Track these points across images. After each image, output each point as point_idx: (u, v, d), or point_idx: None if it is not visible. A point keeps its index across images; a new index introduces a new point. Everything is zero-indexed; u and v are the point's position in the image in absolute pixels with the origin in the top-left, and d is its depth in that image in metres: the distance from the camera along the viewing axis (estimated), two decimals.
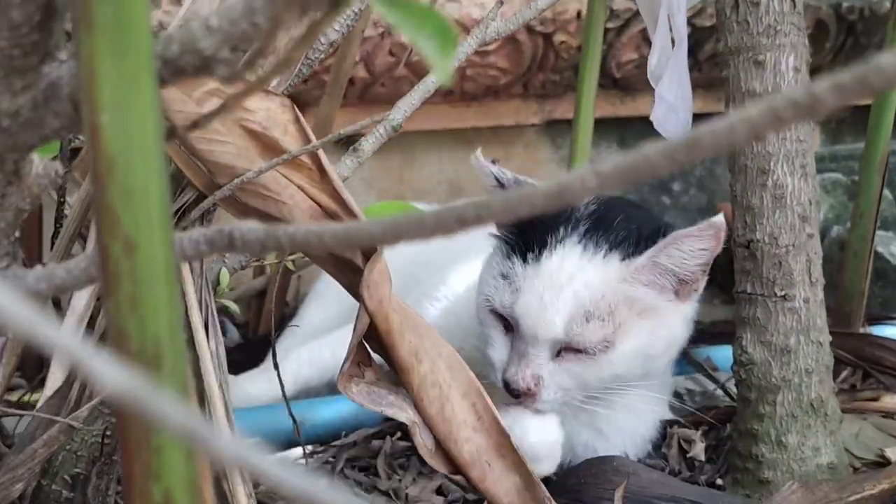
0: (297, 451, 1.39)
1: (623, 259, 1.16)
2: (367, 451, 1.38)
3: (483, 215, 0.40)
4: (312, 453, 1.41)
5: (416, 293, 1.58)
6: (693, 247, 1.15)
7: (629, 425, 1.31)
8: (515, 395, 1.15)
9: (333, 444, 1.41)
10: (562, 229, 1.18)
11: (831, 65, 2.46)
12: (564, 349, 1.15)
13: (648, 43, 2.27)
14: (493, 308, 1.19)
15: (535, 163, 2.39)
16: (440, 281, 1.53)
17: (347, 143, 1.10)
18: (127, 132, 0.42)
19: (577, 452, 1.29)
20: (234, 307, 1.03)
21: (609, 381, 1.19)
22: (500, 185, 1.22)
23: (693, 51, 2.31)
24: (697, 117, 2.18)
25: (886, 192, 2.13)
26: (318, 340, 1.63)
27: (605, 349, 1.14)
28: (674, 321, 1.20)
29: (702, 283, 1.20)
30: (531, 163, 2.39)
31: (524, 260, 1.17)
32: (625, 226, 1.19)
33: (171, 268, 0.45)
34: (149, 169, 0.43)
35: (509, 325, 1.18)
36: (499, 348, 1.19)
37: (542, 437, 1.16)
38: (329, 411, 1.47)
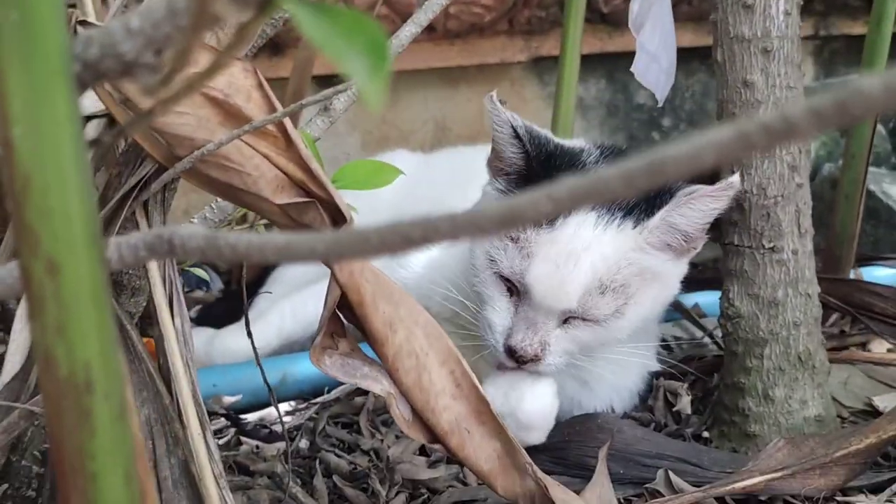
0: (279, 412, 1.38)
1: (636, 226, 1.12)
2: (349, 407, 1.37)
3: (429, 236, 0.37)
4: (295, 410, 1.40)
5: None
6: (707, 206, 1.11)
7: (615, 378, 1.29)
8: (520, 361, 1.12)
9: (316, 400, 1.40)
10: None
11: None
12: (572, 317, 1.12)
13: None
14: (499, 272, 1.13)
15: (523, 100, 2.34)
16: None
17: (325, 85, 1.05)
18: (42, 146, 0.39)
19: (563, 406, 1.27)
20: (202, 273, 1.00)
21: (615, 344, 1.18)
22: (516, 133, 1.13)
23: None
24: (688, 51, 2.12)
25: (879, 127, 2.09)
26: (301, 293, 1.60)
27: (616, 318, 1.12)
28: (673, 281, 1.18)
29: (702, 242, 1.18)
30: (518, 100, 2.33)
31: (537, 223, 1.11)
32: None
33: (100, 287, 0.42)
34: (69, 184, 0.39)
35: (513, 289, 1.14)
36: (501, 312, 1.14)
37: (536, 406, 1.14)
38: (312, 366, 1.45)
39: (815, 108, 0.29)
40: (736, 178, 1.11)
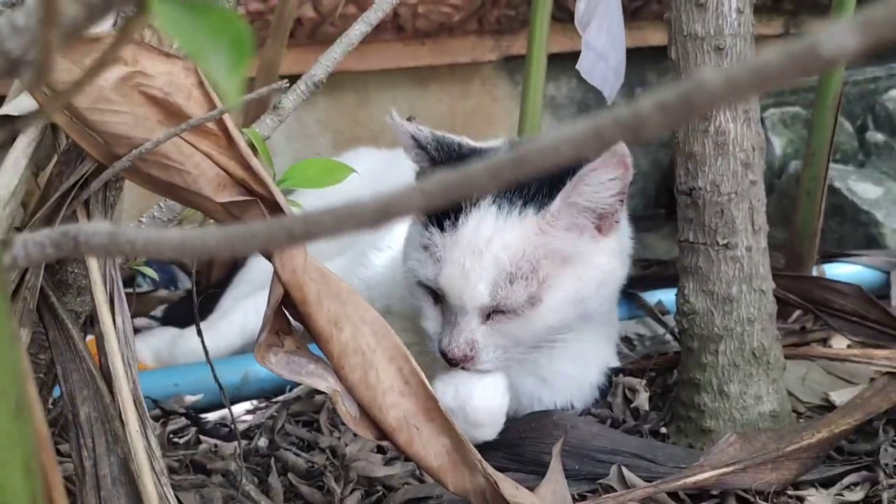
0: (239, 407, 1.38)
1: (538, 211, 1.13)
2: (310, 405, 1.37)
3: (312, 231, 0.37)
4: (256, 409, 1.40)
5: (362, 244, 1.55)
6: (602, 178, 1.12)
7: (574, 372, 1.30)
8: (454, 364, 1.14)
9: (277, 398, 1.40)
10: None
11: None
12: (494, 312, 1.13)
13: None
14: (420, 281, 1.17)
15: (494, 100, 2.34)
16: (385, 231, 1.51)
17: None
18: None
19: (522, 403, 1.28)
20: (150, 273, 1.00)
21: (547, 333, 1.17)
22: (418, 144, 1.18)
23: None
24: (658, 50, 2.13)
25: (847, 125, 2.10)
26: (264, 292, 1.59)
27: (533, 305, 1.12)
28: (601, 259, 1.17)
29: (622, 214, 1.18)
30: (489, 100, 2.34)
31: (442, 229, 1.15)
32: (536, 175, 1.16)
33: None
34: None
35: (438, 296, 1.16)
36: (431, 319, 1.18)
37: (485, 403, 1.15)
38: None
39: (662, 103, 0.29)
40: (621, 145, 1.09)
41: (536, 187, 1.14)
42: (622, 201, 1.16)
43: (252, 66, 2.01)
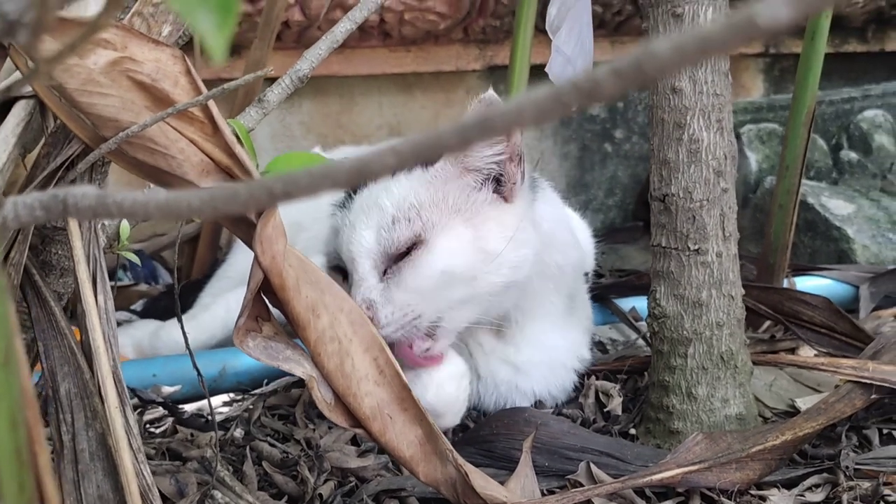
0: (216, 400, 1.40)
1: (425, 168, 1.18)
2: (287, 399, 1.39)
3: (290, 190, 0.39)
4: (233, 401, 1.42)
5: None
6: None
7: (547, 360, 1.32)
8: None
9: (254, 392, 1.42)
10: None
11: None
12: (388, 266, 1.15)
13: None
14: (332, 265, 1.22)
15: None
16: None
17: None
18: None
19: (500, 390, 1.31)
20: (133, 257, 1.02)
21: (448, 283, 1.15)
22: None
23: None
24: None
25: (822, 143, 2.14)
26: (244, 286, 1.62)
27: (419, 246, 1.14)
28: (506, 219, 1.18)
29: (518, 177, 1.20)
30: None
31: (344, 207, 1.22)
32: None
33: None
34: None
35: (345, 272, 1.20)
36: None
37: (440, 395, 1.17)
38: (253, 359, 1.46)
39: (616, 69, 0.32)
40: (489, 92, 1.12)
41: None
42: (517, 164, 1.19)
43: (238, 68, 2.03)
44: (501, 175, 1.18)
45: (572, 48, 1.30)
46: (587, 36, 1.31)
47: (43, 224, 0.89)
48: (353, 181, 0.38)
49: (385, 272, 1.15)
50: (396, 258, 1.14)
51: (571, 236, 1.36)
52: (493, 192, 1.18)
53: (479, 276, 1.16)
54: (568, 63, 1.28)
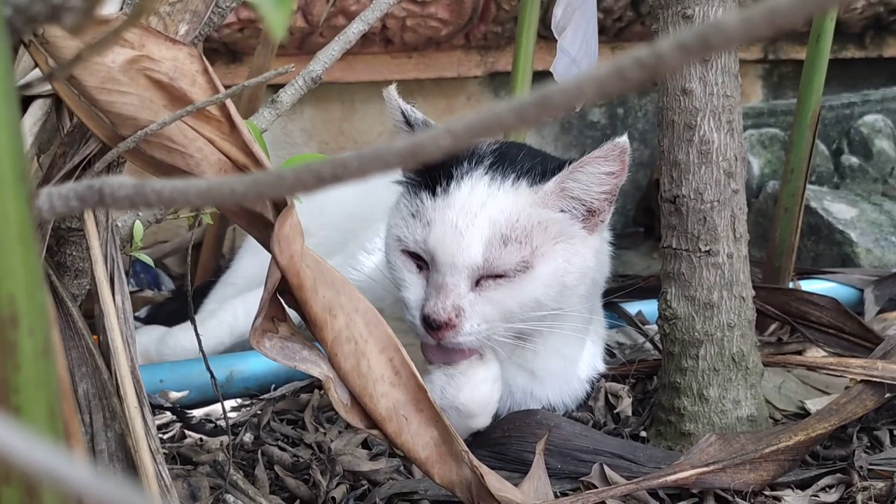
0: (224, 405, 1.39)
1: (531, 185, 1.16)
2: (295, 404, 1.38)
3: (339, 174, 0.39)
4: (241, 406, 1.41)
5: (353, 246, 1.57)
6: (599, 170, 1.15)
7: (563, 369, 1.32)
8: (436, 328, 1.12)
9: (262, 396, 1.41)
10: (466, 164, 1.18)
11: None
12: (483, 278, 1.14)
13: None
14: (406, 248, 1.17)
15: None
16: (374, 234, 1.53)
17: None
18: None
19: (515, 397, 1.30)
20: (146, 259, 1.01)
21: (530, 309, 1.16)
22: (407, 122, 1.20)
23: (636, 4, 2.30)
24: None
25: (823, 148, 2.15)
26: (253, 292, 1.62)
27: (524, 270, 1.14)
28: (586, 251, 1.19)
29: (607, 214, 1.21)
30: None
31: (433, 195, 1.16)
32: (529, 159, 1.19)
33: (27, 225, 0.43)
34: None
35: (423, 264, 1.17)
36: (413, 288, 1.17)
37: (476, 395, 1.16)
38: (260, 364, 1.46)
39: (681, 43, 0.31)
40: (623, 138, 1.14)
41: (530, 166, 1.17)
42: (611, 203, 1.19)
43: (239, 74, 2.03)
44: (596, 209, 1.18)
45: (577, 49, 1.31)
46: (592, 36, 1.31)
47: (58, 225, 0.88)
48: (406, 163, 0.37)
49: (478, 282, 1.14)
50: (496, 275, 1.13)
51: (608, 251, 1.35)
52: (581, 221, 1.18)
53: (551, 305, 1.17)
54: (573, 63, 1.29)
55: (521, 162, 1.18)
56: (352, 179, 0.39)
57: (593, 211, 1.18)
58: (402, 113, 1.20)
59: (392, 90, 1.21)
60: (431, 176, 1.17)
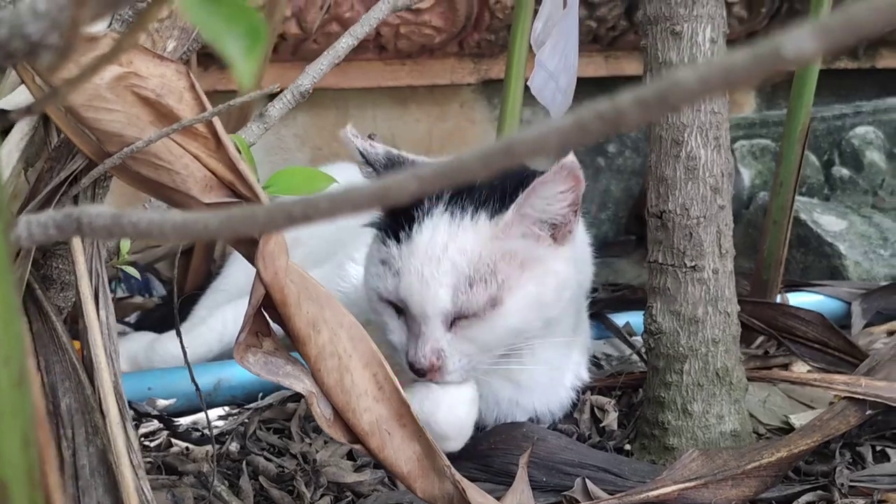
0: (211, 414, 1.39)
1: (492, 217, 1.16)
2: (282, 413, 1.39)
3: (310, 214, 0.40)
4: (228, 415, 1.42)
5: (341, 256, 1.58)
6: (553, 191, 1.15)
7: (548, 380, 1.32)
8: (422, 374, 1.15)
9: (249, 405, 1.42)
10: (426, 201, 1.17)
11: (766, 29, 2.47)
12: (457, 318, 1.15)
13: (588, 2, 2.27)
14: (381, 296, 1.19)
15: (472, 122, 2.38)
16: (363, 244, 1.53)
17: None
18: None
19: (501, 408, 1.30)
20: (133, 272, 1.02)
21: (512, 338, 1.18)
22: (366, 160, 1.20)
23: (630, 12, 2.30)
24: (634, 80, 2.19)
25: (814, 159, 2.16)
26: (243, 299, 1.61)
27: (494, 307, 1.14)
28: (558, 266, 1.19)
29: (575, 224, 1.21)
30: (467, 122, 2.38)
31: (398, 241, 1.17)
32: (487, 184, 1.18)
33: (2, 255, 0.44)
34: None
35: (400, 308, 1.18)
36: (397, 332, 1.19)
37: (451, 417, 1.17)
38: (248, 373, 1.45)
39: (640, 98, 0.32)
40: (569, 157, 1.14)
41: (487, 193, 1.17)
42: (576, 212, 1.19)
43: (234, 80, 2.04)
44: (560, 223, 1.18)
45: (556, 64, 1.31)
46: (572, 53, 1.32)
47: None
48: (374, 205, 0.38)
49: (452, 323, 1.15)
50: (468, 315, 1.14)
51: (589, 252, 1.36)
52: (549, 238, 1.18)
53: (536, 325, 1.18)
54: (551, 78, 1.29)
55: (479, 189, 1.17)
56: (322, 219, 0.40)
57: (558, 225, 1.18)
58: (361, 153, 1.20)
59: (349, 130, 1.21)
60: (395, 219, 1.18)
